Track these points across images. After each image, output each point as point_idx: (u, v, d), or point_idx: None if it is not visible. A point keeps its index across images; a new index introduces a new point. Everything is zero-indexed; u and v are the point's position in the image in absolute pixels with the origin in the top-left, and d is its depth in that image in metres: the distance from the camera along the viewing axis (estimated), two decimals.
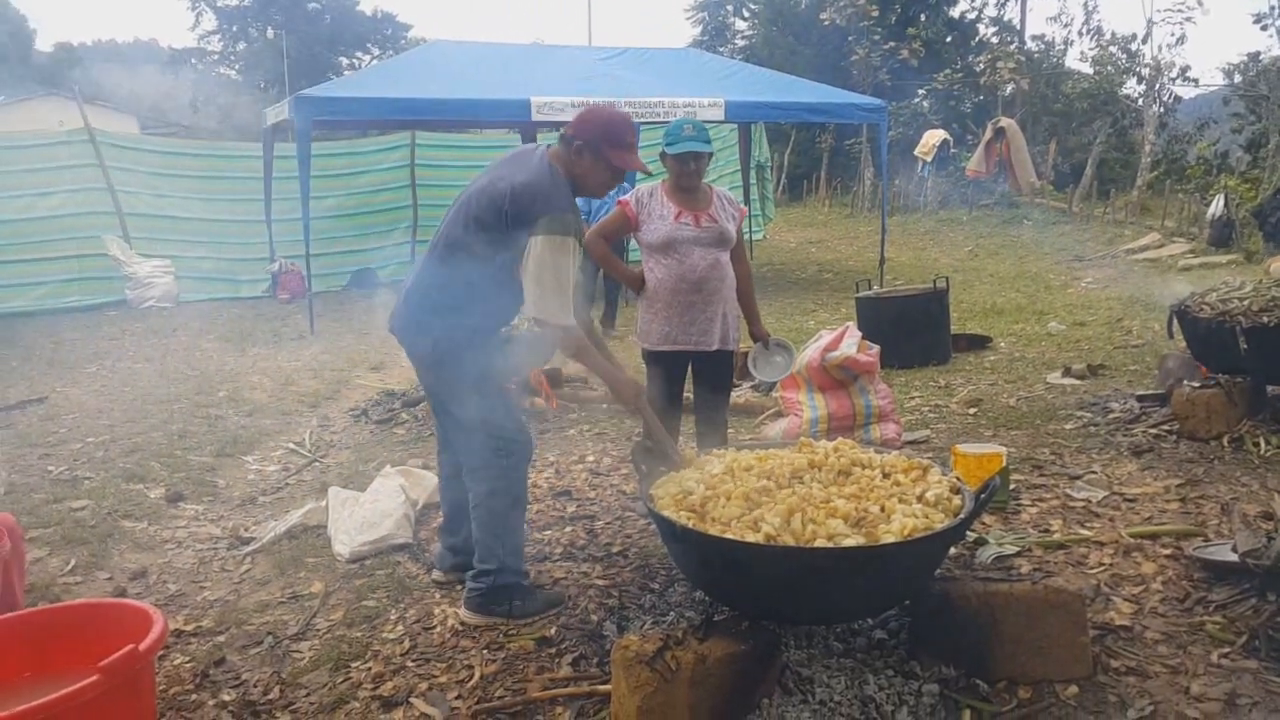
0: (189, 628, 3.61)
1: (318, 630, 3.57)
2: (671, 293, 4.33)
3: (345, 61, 43.13)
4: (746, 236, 8.82)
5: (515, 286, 3.35)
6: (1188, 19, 20.29)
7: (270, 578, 4.08)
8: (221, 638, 3.54)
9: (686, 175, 4.30)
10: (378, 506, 4.41)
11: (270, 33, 41.19)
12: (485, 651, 3.30)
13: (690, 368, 4.52)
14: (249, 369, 8.53)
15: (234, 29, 42.98)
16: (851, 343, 5.52)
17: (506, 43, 13.96)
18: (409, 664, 3.26)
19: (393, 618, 3.62)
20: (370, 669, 3.24)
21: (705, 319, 4.36)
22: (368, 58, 43.52)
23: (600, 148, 3.38)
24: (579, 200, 3.54)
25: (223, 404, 7.21)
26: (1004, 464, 4.36)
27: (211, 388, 7.73)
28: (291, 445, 6.12)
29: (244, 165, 13.34)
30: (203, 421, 6.68)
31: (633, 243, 4.58)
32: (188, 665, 3.32)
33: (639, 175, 4.57)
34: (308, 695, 3.10)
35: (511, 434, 3.53)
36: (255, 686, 3.17)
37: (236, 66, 43.05)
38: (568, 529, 4.44)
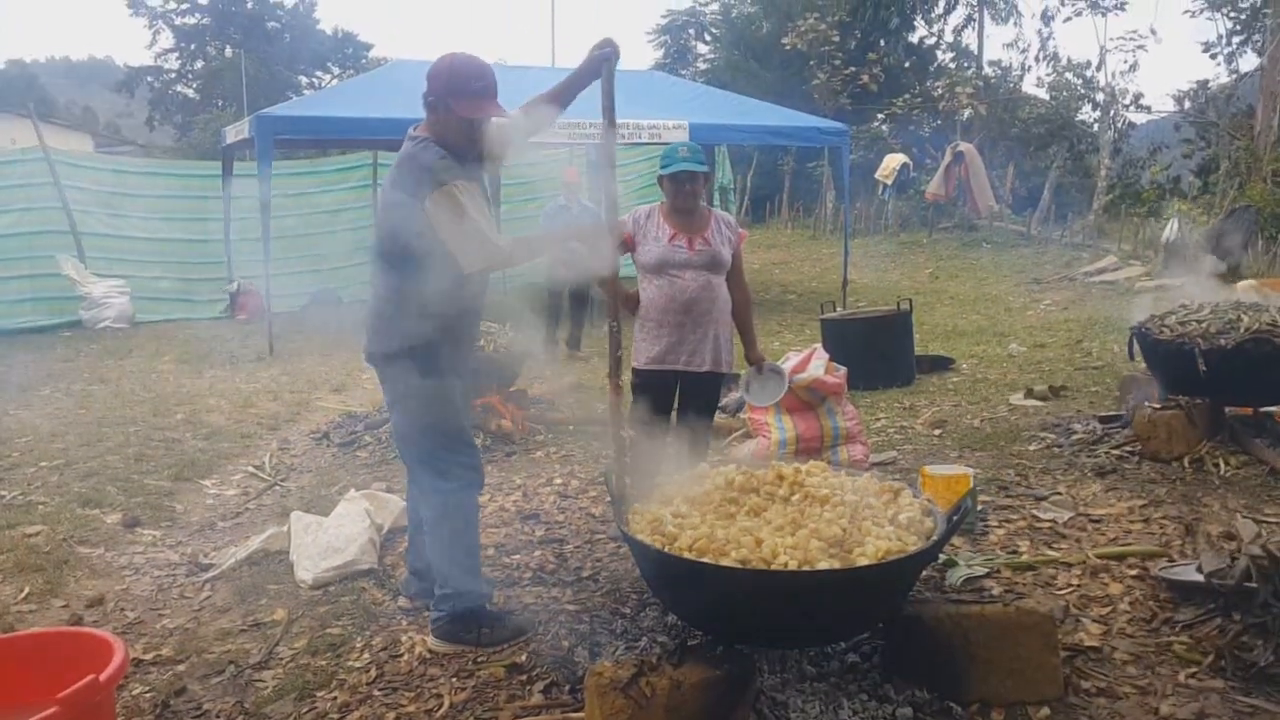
0: (148, 656, 3.52)
1: (281, 659, 3.49)
2: (662, 313, 4.38)
3: (305, 81, 42.87)
4: None
5: (447, 295, 3.23)
6: (1140, 47, 20.80)
7: (231, 605, 3.99)
8: (182, 667, 3.45)
9: (682, 196, 4.34)
10: (342, 531, 4.33)
11: (229, 51, 40.83)
12: (454, 680, 3.24)
13: (679, 388, 4.52)
14: (206, 391, 8.38)
15: (192, 47, 42.55)
16: (819, 364, 5.54)
17: None
18: (376, 693, 3.19)
19: (358, 645, 3.55)
20: (336, 698, 3.17)
21: (695, 340, 4.40)
22: (328, 77, 43.29)
23: (446, 100, 3.27)
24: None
25: (180, 427, 7.07)
26: (971, 485, 4.38)
27: (168, 410, 7.58)
28: (251, 469, 6.01)
29: (201, 184, 13.22)
30: (160, 445, 6.54)
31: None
32: (147, 695, 3.23)
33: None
34: None
35: (454, 458, 3.48)
36: (218, 717, 3.09)
37: (194, 85, 42.59)
38: (536, 553, 4.39)
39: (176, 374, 9.21)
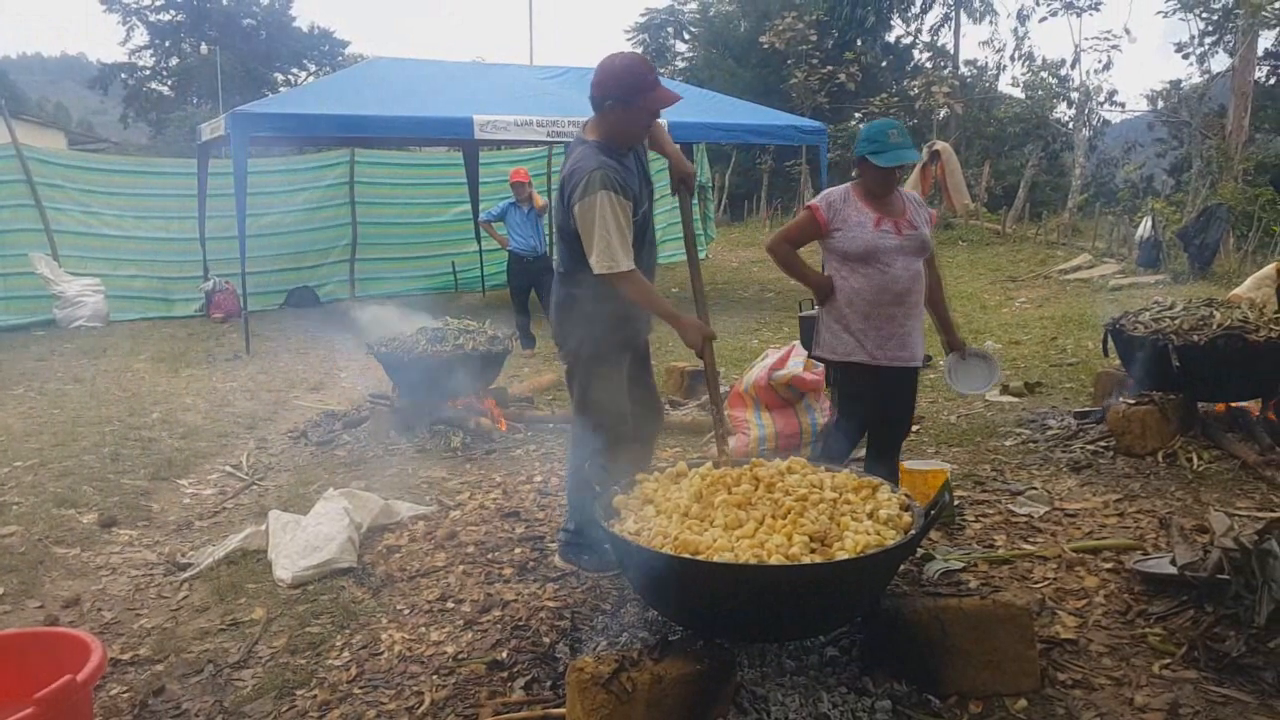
0: (126, 656, 3.49)
1: (260, 658, 3.48)
2: (870, 305, 4.04)
3: (281, 78, 42.55)
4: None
5: (596, 283, 3.62)
6: (1114, 46, 21.02)
7: (209, 604, 3.97)
8: (160, 666, 3.43)
9: (885, 184, 4.06)
10: (320, 530, 4.31)
11: (204, 48, 40.49)
12: (435, 677, 3.24)
13: (880, 384, 4.14)
14: (182, 390, 8.32)
15: (166, 44, 42.14)
16: (798, 361, 5.57)
17: (448, 60, 13.91)
18: (356, 691, 3.19)
19: (338, 644, 3.54)
20: (316, 697, 3.16)
21: (904, 333, 4.09)
22: (304, 74, 42.98)
23: (631, 98, 3.55)
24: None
25: (156, 426, 7.02)
26: (948, 480, 4.41)
27: (144, 409, 7.52)
28: (228, 468, 5.97)
29: (177, 182, 13.11)
30: (135, 444, 6.49)
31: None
32: (125, 695, 3.21)
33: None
34: None
35: (601, 417, 3.81)
36: (197, 716, 3.07)
37: (169, 82, 42.20)
38: (517, 550, 4.39)
39: (152, 373, 9.13)
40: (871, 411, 4.24)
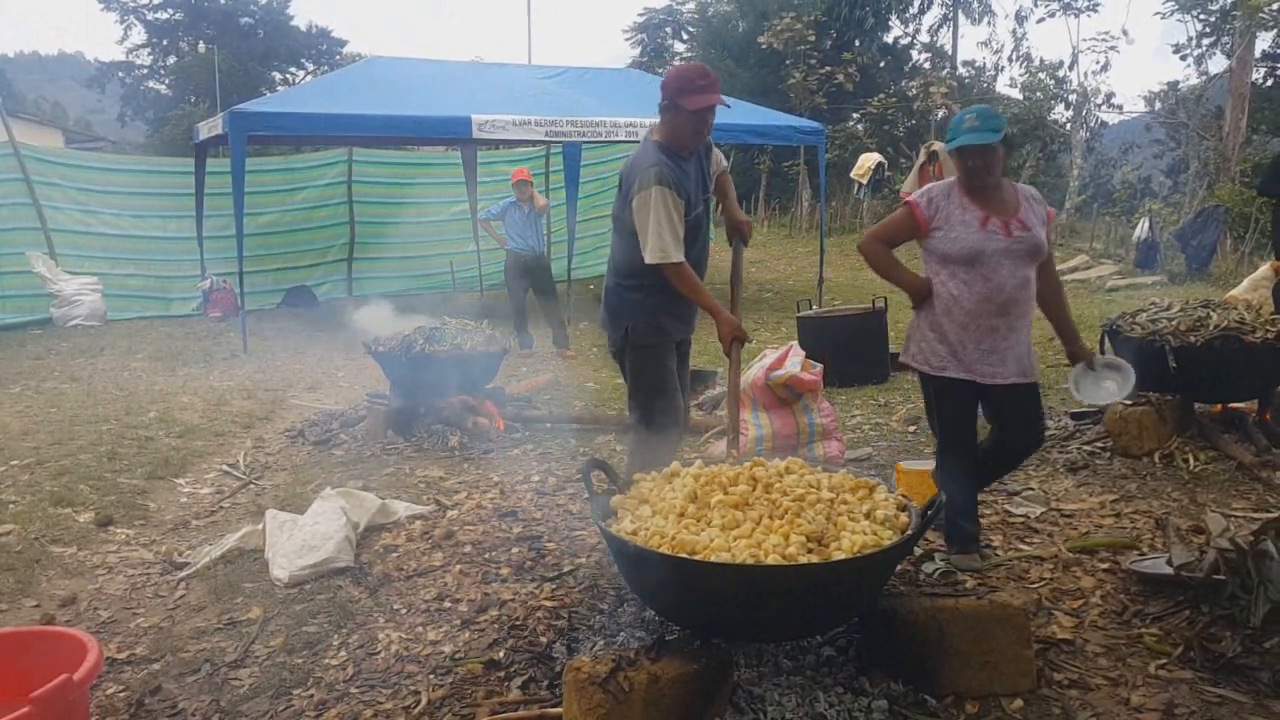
0: (122, 655, 3.49)
1: (257, 657, 3.47)
2: (969, 315, 3.70)
3: (279, 77, 42.49)
4: None
5: (650, 272, 3.83)
6: (1112, 48, 21.04)
7: (206, 603, 3.97)
8: (157, 665, 3.42)
9: (971, 174, 3.67)
10: (318, 529, 4.31)
11: (202, 47, 40.40)
12: (432, 676, 3.24)
13: (987, 402, 3.88)
14: (180, 389, 8.31)
15: (164, 43, 42.06)
16: (795, 362, 5.57)
17: (446, 60, 13.90)
18: (353, 690, 3.19)
19: (335, 643, 3.54)
20: (313, 696, 3.16)
21: (1005, 348, 3.72)
22: (302, 73, 42.93)
23: (675, 99, 3.74)
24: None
25: (153, 425, 7.01)
26: None
27: (141, 408, 7.51)
28: (225, 467, 5.97)
29: (174, 180, 13.10)
30: (133, 443, 6.48)
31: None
32: (122, 695, 3.21)
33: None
34: None
35: (651, 405, 4.03)
36: (193, 715, 3.07)
37: (166, 81, 42.13)
38: (514, 549, 4.39)
39: (149, 372, 9.13)
40: (974, 433, 3.90)
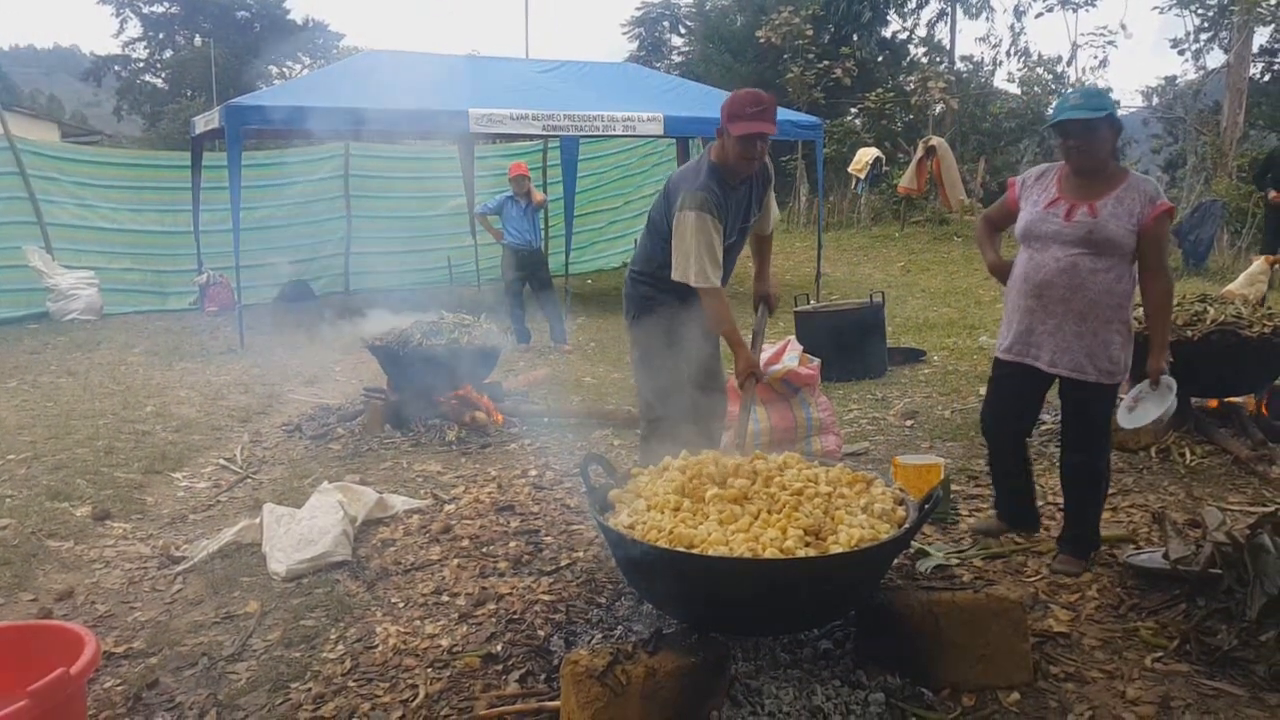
0: (119, 649, 3.49)
1: (254, 651, 3.47)
2: (1015, 293, 3.80)
3: (275, 70, 42.43)
4: None
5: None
6: (1110, 43, 21.03)
7: (203, 597, 3.96)
8: (154, 659, 3.42)
9: (1068, 153, 3.62)
10: (315, 523, 4.31)
11: (198, 40, 40.33)
12: (429, 670, 3.24)
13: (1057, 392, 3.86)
14: (176, 383, 8.30)
15: (160, 36, 42.00)
16: (793, 356, 5.57)
17: (443, 54, 13.87)
18: (350, 684, 3.19)
19: (332, 637, 3.54)
20: (310, 690, 3.16)
21: (1044, 332, 3.72)
22: (298, 67, 42.89)
23: (725, 124, 3.76)
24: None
25: (150, 419, 7.00)
26: (943, 475, 4.43)
27: (138, 403, 7.50)
28: (222, 461, 5.96)
29: (171, 175, 13.07)
30: (129, 437, 6.48)
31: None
32: (119, 688, 3.20)
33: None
34: (245, 717, 3.02)
35: (645, 407, 4.29)
36: (190, 709, 3.07)
37: (163, 75, 42.05)
38: (512, 544, 4.40)
39: (146, 366, 9.11)
40: (1015, 417, 4.06)
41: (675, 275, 3.86)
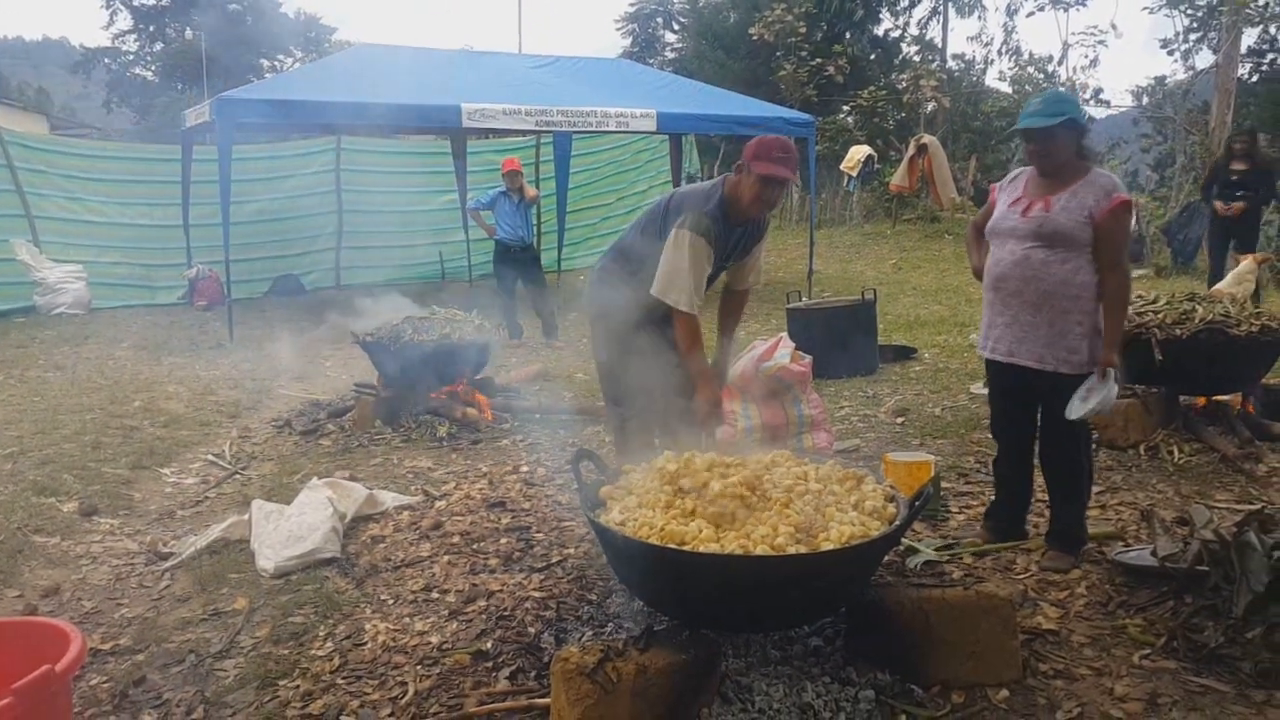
0: (106, 646, 3.47)
1: (242, 648, 3.46)
2: (984, 289, 3.96)
3: (267, 64, 42.21)
4: None
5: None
6: (1100, 42, 21.06)
7: (191, 594, 3.95)
8: (141, 656, 3.41)
9: (1031, 156, 3.79)
10: (304, 519, 4.29)
11: (189, 33, 40.11)
12: (419, 667, 3.23)
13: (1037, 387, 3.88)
14: (165, 378, 8.26)
15: (150, 29, 41.72)
16: (785, 353, 5.57)
17: (436, 48, 13.83)
18: (339, 681, 3.18)
19: (321, 634, 3.53)
20: (299, 687, 3.15)
21: (1002, 324, 3.87)
22: (290, 60, 42.67)
23: (749, 161, 3.76)
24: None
25: (138, 414, 6.97)
26: (934, 472, 4.43)
27: (126, 398, 7.47)
28: (211, 457, 5.94)
29: (160, 168, 12.99)
30: (117, 432, 6.44)
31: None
32: (105, 685, 3.19)
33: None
34: (233, 715, 3.01)
35: (612, 403, 4.29)
36: (178, 707, 3.06)
37: (153, 67, 41.80)
38: (503, 540, 4.39)
39: (134, 361, 9.07)
40: (1012, 421, 4.10)
41: (655, 290, 3.81)
